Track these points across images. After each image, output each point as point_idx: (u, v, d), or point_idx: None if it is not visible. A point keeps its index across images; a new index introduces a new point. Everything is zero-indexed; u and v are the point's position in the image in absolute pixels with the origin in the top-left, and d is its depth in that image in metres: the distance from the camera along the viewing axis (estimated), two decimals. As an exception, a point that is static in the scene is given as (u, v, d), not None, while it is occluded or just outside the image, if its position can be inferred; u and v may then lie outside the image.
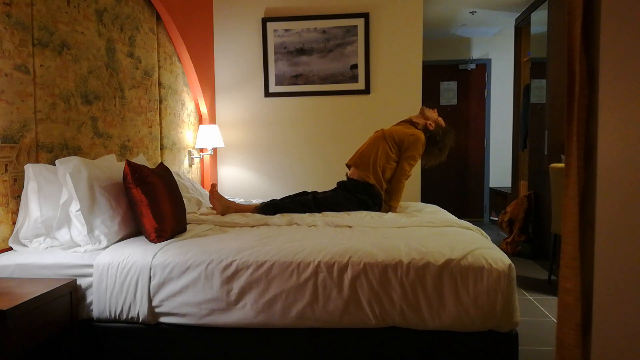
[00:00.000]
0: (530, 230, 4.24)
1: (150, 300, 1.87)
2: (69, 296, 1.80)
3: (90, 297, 1.91)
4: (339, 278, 1.79)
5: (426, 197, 4.90)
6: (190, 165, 3.92)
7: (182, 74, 3.74)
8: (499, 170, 6.13)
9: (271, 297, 1.81)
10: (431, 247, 1.86)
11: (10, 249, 2.06)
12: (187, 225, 2.42)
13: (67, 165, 2.02)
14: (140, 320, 1.88)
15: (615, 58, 1.12)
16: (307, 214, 2.66)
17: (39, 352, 1.87)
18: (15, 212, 2.06)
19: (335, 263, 1.81)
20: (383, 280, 1.78)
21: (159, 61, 3.32)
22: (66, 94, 2.34)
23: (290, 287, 1.80)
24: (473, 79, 6.18)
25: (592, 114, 1.19)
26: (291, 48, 4.16)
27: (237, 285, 1.83)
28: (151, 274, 1.87)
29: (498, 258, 1.79)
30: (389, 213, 2.80)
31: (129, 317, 1.88)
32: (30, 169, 2.04)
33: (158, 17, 3.32)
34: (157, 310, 1.88)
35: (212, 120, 4.25)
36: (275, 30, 4.16)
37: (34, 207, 2.03)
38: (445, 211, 2.93)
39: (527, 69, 4.94)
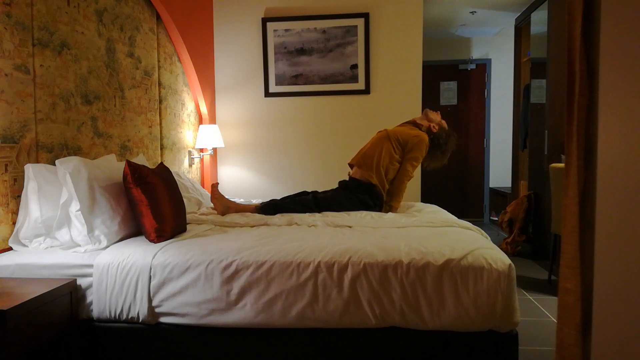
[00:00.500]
0: (530, 230, 4.24)
1: (150, 300, 1.87)
2: (69, 296, 1.80)
3: (90, 297, 1.91)
4: (339, 278, 1.79)
5: (426, 197, 4.90)
6: (190, 165, 3.92)
7: (182, 74, 3.74)
8: (499, 170, 6.13)
9: (271, 297, 1.81)
10: (431, 247, 1.86)
11: (10, 249, 2.06)
12: (187, 225, 2.42)
13: (67, 165, 2.02)
14: (140, 320, 1.88)
15: (615, 58, 1.12)
16: (307, 214, 2.66)
17: (39, 352, 1.87)
18: (15, 212, 2.06)
19: (335, 263, 1.81)
20: (383, 280, 1.78)
21: (159, 61, 3.32)
22: (66, 94, 2.34)
23: (290, 287, 1.80)
24: (473, 79, 6.18)
25: (592, 114, 1.19)
26: (291, 48, 4.16)
27: (237, 285, 1.83)
28: (151, 274, 1.87)
29: (498, 258, 1.79)
30: (389, 213, 2.80)
31: (129, 317, 1.88)
32: (30, 169, 2.04)
33: (158, 17, 3.32)
34: (157, 310, 1.88)
35: (212, 120, 4.25)
36: (275, 30, 4.16)
37: (34, 207, 2.03)
38: (445, 211, 2.92)
39: (527, 69, 4.94)
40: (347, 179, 3.08)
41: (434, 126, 3.10)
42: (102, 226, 2.03)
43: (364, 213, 2.69)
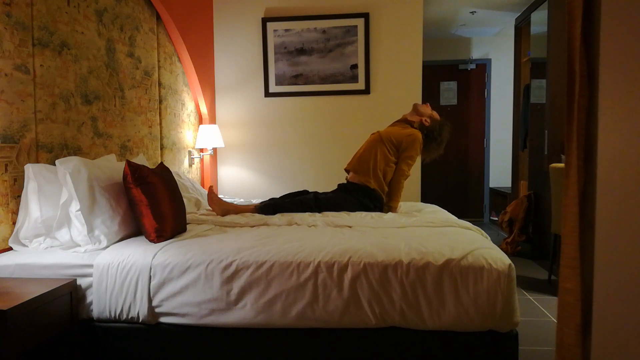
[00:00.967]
0: (530, 230, 4.24)
1: (150, 300, 1.87)
2: (69, 296, 1.80)
3: (90, 297, 1.91)
4: (339, 278, 1.79)
5: (426, 197, 4.90)
6: (190, 165, 3.92)
7: (182, 74, 3.74)
8: (499, 170, 6.13)
9: (271, 297, 1.81)
10: (431, 247, 1.86)
11: (10, 249, 2.06)
12: (187, 225, 2.42)
13: (67, 165, 2.02)
14: (140, 320, 1.88)
15: (615, 58, 1.12)
16: (307, 214, 2.66)
17: (39, 352, 1.87)
18: (15, 212, 2.06)
19: (335, 263, 1.81)
20: (383, 280, 1.78)
21: (159, 61, 3.32)
22: (66, 94, 2.34)
23: (290, 287, 1.80)
24: (473, 79, 6.18)
25: (592, 114, 1.19)
26: (291, 48, 4.16)
27: (237, 285, 1.83)
28: (151, 274, 1.87)
29: (498, 258, 1.79)
30: (389, 213, 2.80)
31: (129, 317, 1.88)
32: (30, 169, 2.04)
33: (158, 17, 3.32)
34: (157, 310, 1.88)
35: (212, 120, 4.25)
36: (275, 30, 4.16)
37: (34, 207, 2.03)
38: (445, 211, 2.92)
39: (527, 69, 4.94)
40: (345, 182, 3.07)
41: (425, 120, 3.08)
42: (102, 226, 2.03)
43: (364, 213, 2.69)
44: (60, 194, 2.06)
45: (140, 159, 2.79)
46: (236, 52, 4.26)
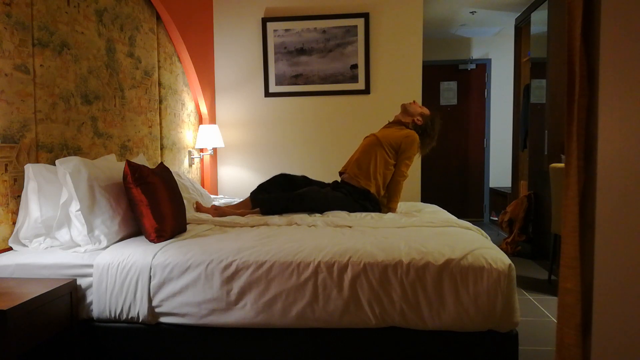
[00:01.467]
0: (530, 230, 4.24)
1: (150, 300, 1.87)
2: (69, 296, 1.80)
3: (90, 297, 1.91)
4: (339, 278, 1.79)
5: (426, 197, 4.89)
6: (190, 165, 3.92)
7: (182, 74, 3.74)
8: (499, 170, 6.13)
9: (271, 297, 1.81)
10: (431, 247, 1.86)
11: (10, 249, 2.06)
12: (187, 225, 2.42)
13: (67, 165, 2.02)
14: (140, 320, 1.88)
15: (615, 58, 1.12)
16: (306, 215, 2.66)
17: (39, 352, 1.87)
18: (15, 212, 2.06)
19: (335, 263, 1.81)
20: (383, 280, 1.78)
21: (159, 61, 3.32)
22: (66, 94, 2.34)
23: (290, 287, 1.80)
24: (473, 79, 6.18)
25: (592, 114, 1.19)
26: (291, 48, 4.16)
27: (237, 285, 1.83)
28: (151, 274, 1.87)
29: (498, 258, 1.79)
30: (389, 213, 2.80)
31: (129, 317, 1.88)
32: (30, 169, 2.04)
33: (158, 17, 3.32)
34: (157, 310, 1.88)
35: (212, 120, 4.25)
36: (275, 30, 4.16)
37: (34, 207, 2.03)
38: (445, 211, 2.93)
39: (527, 69, 4.94)
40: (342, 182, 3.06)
41: (417, 119, 3.08)
42: (102, 226, 2.03)
43: (364, 213, 2.69)
44: (60, 194, 2.06)
45: (140, 159, 2.79)
46: (236, 52, 4.26)
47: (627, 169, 1.09)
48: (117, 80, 2.79)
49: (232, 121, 4.32)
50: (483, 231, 2.30)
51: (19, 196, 2.07)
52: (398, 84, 4.12)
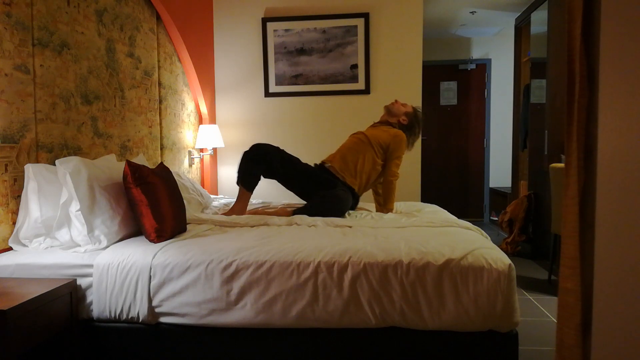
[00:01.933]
0: (530, 230, 4.24)
1: (150, 300, 1.87)
2: (69, 296, 1.80)
3: (90, 297, 1.91)
4: (339, 278, 1.79)
5: (426, 197, 4.90)
6: (190, 165, 3.92)
7: (182, 74, 3.74)
8: (499, 170, 6.13)
9: (271, 297, 1.81)
10: (431, 247, 1.86)
11: (10, 249, 2.06)
12: (187, 225, 2.42)
13: (67, 165, 2.02)
14: (140, 320, 1.88)
15: (615, 58, 1.12)
16: (305, 216, 2.66)
17: (39, 352, 1.87)
18: (15, 212, 2.06)
19: (335, 263, 1.81)
20: (383, 280, 1.78)
21: (159, 61, 3.32)
22: (66, 94, 2.34)
23: (290, 287, 1.80)
24: (473, 79, 6.18)
25: (592, 114, 1.19)
26: (291, 48, 4.16)
27: (237, 285, 1.83)
28: (151, 274, 1.87)
29: (498, 258, 1.79)
30: (389, 213, 2.80)
31: (129, 317, 1.88)
32: (30, 169, 2.04)
33: (158, 17, 3.32)
34: (157, 310, 1.88)
35: (212, 120, 4.25)
36: (275, 30, 4.16)
37: (34, 207, 2.03)
38: (445, 211, 2.93)
39: (527, 69, 4.94)
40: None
41: (403, 119, 3.13)
42: (102, 226, 2.03)
43: (364, 213, 2.69)
44: (60, 194, 2.06)
45: (140, 159, 2.79)
46: (236, 52, 4.26)
47: (627, 169, 1.09)
48: (117, 80, 2.79)
49: (232, 121, 4.32)
50: (483, 231, 2.30)
51: (19, 196, 2.07)
52: (398, 84, 4.12)
